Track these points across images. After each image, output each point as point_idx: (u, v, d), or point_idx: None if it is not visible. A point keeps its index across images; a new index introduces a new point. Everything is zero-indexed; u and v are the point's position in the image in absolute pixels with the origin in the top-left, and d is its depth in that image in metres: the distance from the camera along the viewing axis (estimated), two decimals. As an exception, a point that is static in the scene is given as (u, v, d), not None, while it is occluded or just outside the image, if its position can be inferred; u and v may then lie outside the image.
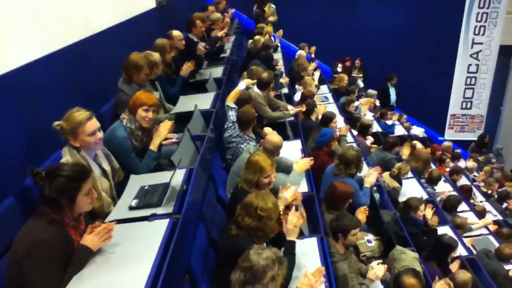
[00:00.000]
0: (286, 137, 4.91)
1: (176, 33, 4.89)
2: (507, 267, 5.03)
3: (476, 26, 10.03)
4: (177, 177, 2.79)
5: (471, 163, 9.02)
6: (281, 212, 3.03)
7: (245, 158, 3.72)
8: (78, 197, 2.04)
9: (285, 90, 6.33)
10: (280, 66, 7.32)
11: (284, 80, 6.52)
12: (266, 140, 3.95)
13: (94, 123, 2.56)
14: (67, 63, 3.49)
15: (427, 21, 9.90)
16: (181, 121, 3.84)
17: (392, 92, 10.07)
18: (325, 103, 6.85)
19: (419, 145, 8.18)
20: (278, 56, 7.70)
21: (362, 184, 4.34)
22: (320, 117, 5.61)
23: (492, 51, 10.31)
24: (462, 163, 8.83)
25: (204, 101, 4.40)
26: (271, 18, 8.94)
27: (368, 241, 4.25)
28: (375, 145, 6.80)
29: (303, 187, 3.84)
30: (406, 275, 3.24)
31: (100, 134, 2.62)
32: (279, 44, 8.41)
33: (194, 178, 2.90)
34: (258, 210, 2.63)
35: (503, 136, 12.07)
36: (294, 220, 2.78)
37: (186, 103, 4.33)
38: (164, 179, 2.76)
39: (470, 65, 10.48)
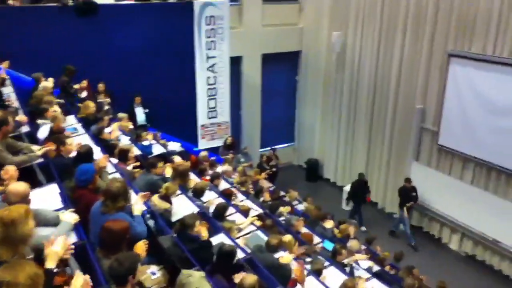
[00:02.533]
0: (37, 183, 4.25)
1: None
2: (278, 255, 5.56)
3: (207, 42, 10.88)
4: None
5: (226, 167, 9.75)
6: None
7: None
8: None
9: (25, 129, 5.51)
10: (14, 101, 6.35)
11: (22, 117, 5.67)
12: (9, 192, 3.32)
13: None
14: None
15: (165, 41, 10.22)
16: None
17: (139, 112, 10.08)
18: (76, 135, 6.28)
19: (178, 159, 8.35)
20: (8, 90, 6.68)
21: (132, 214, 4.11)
22: (74, 152, 5.09)
23: (225, 62, 11.38)
24: (219, 169, 9.44)
25: None
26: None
27: (152, 273, 4.04)
28: (138, 169, 6.63)
29: (72, 237, 3.37)
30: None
31: None
32: (6, 77, 7.32)
33: None
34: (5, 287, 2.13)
35: (246, 137, 13.58)
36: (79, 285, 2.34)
37: None
38: None
39: (208, 77, 11.30)
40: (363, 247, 8.25)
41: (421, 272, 8.37)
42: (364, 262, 7.17)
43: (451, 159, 10.58)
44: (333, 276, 5.88)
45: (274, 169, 12.55)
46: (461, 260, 10.41)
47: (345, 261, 6.74)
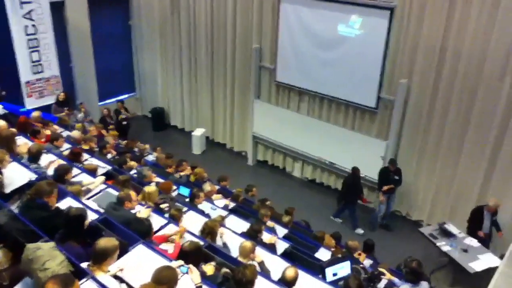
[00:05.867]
0: None
1: None
2: (135, 210, 5.36)
3: (18, -15, 9.43)
4: None
5: (74, 132, 8.77)
6: None
7: None
8: None
9: None
10: None
11: None
12: None
13: None
14: None
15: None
16: None
17: None
18: None
19: (2, 123, 7.32)
20: None
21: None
22: None
23: (44, 9, 10.05)
24: (59, 131, 8.53)
25: None
26: None
27: (-10, 255, 3.55)
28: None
29: None
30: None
31: None
32: None
33: None
34: None
35: (81, 91, 12.48)
36: None
37: None
38: None
39: (26, 26, 9.92)
40: (217, 187, 8.45)
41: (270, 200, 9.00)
42: (220, 201, 7.37)
43: (288, 94, 11.26)
44: (193, 219, 5.92)
45: (124, 123, 11.94)
46: (304, 185, 11.46)
47: (200, 206, 6.79)
